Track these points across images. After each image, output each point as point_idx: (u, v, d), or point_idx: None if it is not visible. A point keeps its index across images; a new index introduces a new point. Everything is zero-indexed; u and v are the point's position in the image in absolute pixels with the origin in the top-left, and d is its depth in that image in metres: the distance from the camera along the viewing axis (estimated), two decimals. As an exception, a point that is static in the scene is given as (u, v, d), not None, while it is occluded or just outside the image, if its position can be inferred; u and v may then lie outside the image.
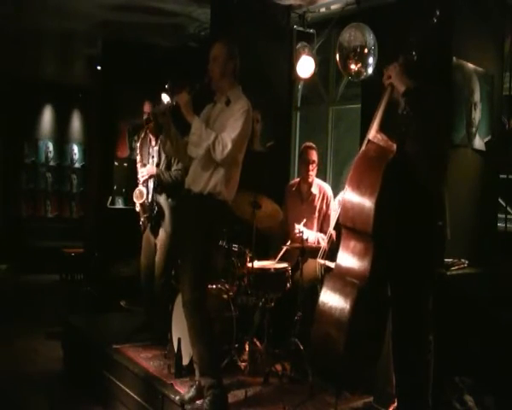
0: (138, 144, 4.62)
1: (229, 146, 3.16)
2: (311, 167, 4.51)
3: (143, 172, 4.47)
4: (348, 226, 2.99)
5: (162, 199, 4.50)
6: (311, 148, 4.56)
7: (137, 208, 4.52)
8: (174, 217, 4.47)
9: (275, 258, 4.27)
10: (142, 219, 4.54)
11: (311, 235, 4.38)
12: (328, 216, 4.53)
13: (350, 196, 2.95)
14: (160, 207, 4.48)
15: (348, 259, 2.98)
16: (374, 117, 3.06)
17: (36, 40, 7.51)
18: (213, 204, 3.28)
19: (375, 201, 2.81)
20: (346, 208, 2.99)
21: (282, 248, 4.28)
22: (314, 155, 4.54)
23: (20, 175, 10.33)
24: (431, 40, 3.01)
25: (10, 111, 9.82)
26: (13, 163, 10.22)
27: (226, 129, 3.22)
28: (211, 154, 3.19)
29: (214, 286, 4.07)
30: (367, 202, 2.85)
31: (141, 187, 4.48)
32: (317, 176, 4.66)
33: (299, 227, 4.18)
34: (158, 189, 4.48)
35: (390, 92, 3.00)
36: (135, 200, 4.49)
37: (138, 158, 4.56)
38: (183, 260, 3.38)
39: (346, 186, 3.02)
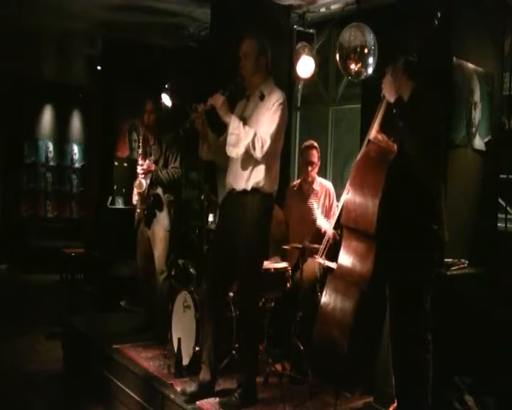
0: (141, 137, 4.70)
1: (269, 142, 3.16)
2: (310, 168, 4.47)
3: (143, 165, 4.51)
4: (350, 227, 2.98)
5: (160, 191, 4.54)
6: (311, 147, 4.49)
7: (135, 199, 4.59)
8: (170, 211, 4.54)
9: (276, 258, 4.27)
10: (137, 211, 4.60)
11: (325, 224, 4.25)
12: (331, 214, 4.43)
13: (352, 196, 2.95)
14: (158, 197, 4.52)
15: (350, 260, 2.97)
16: (374, 118, 3.07)
17: (36, 40, 7.50)
18: (259, 198, 3.27)
19: (378, 202, 2.81)
20: (348, 209, 2.98)
21: (287, 250, 4.23)
22: (314, 156, 4.48)
23: (20, 175, 10.30)
24: (431, 41, 3.01)
25: (10, 111, 9.79)
26: (13, 163, 10.20)
27: (263, 124, 3.20)
28: (250, 152, 3.17)
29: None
30: (370, 203, 2.85)
31: (141, 178, 4.52)
32: (318, 175, 4.62)
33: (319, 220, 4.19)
34: (154, 183, 4.52)
35: (386, 101, 3.01)
36: (135, 189, 4.56)
37: (140, 150, 4.62)
38: (233, 263, 3.30)
39: (348, 187, 3.02)
